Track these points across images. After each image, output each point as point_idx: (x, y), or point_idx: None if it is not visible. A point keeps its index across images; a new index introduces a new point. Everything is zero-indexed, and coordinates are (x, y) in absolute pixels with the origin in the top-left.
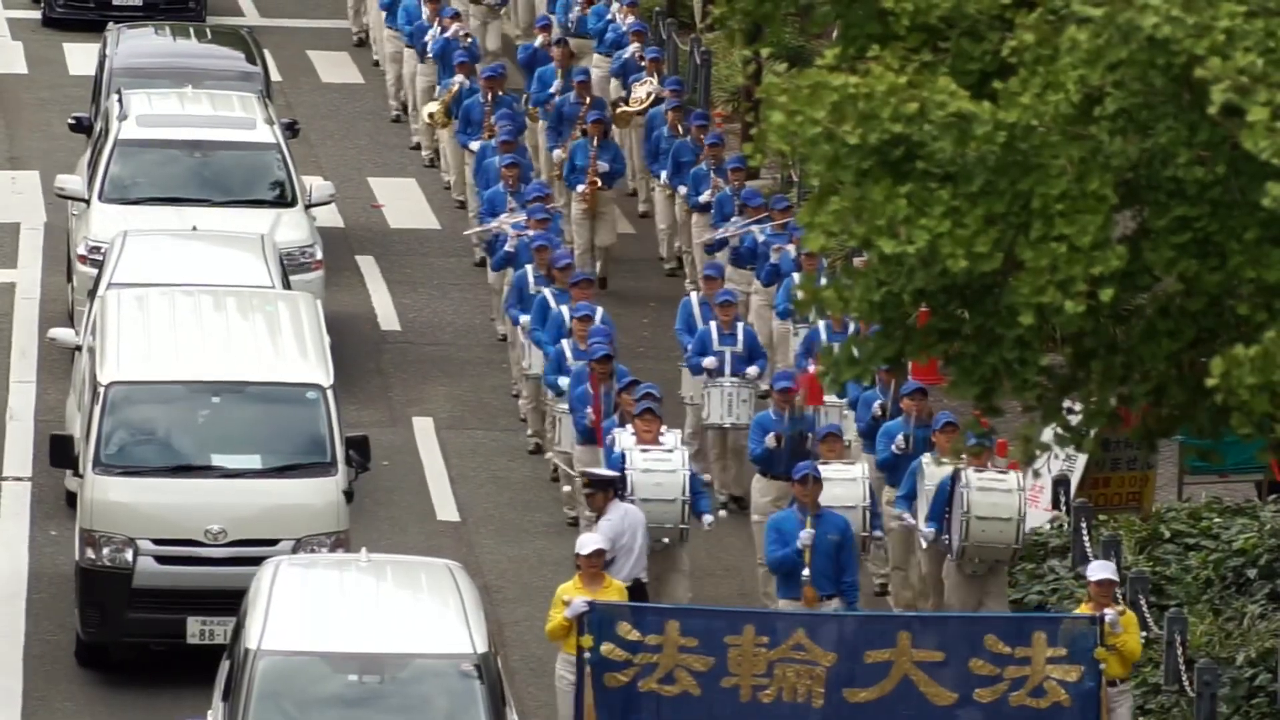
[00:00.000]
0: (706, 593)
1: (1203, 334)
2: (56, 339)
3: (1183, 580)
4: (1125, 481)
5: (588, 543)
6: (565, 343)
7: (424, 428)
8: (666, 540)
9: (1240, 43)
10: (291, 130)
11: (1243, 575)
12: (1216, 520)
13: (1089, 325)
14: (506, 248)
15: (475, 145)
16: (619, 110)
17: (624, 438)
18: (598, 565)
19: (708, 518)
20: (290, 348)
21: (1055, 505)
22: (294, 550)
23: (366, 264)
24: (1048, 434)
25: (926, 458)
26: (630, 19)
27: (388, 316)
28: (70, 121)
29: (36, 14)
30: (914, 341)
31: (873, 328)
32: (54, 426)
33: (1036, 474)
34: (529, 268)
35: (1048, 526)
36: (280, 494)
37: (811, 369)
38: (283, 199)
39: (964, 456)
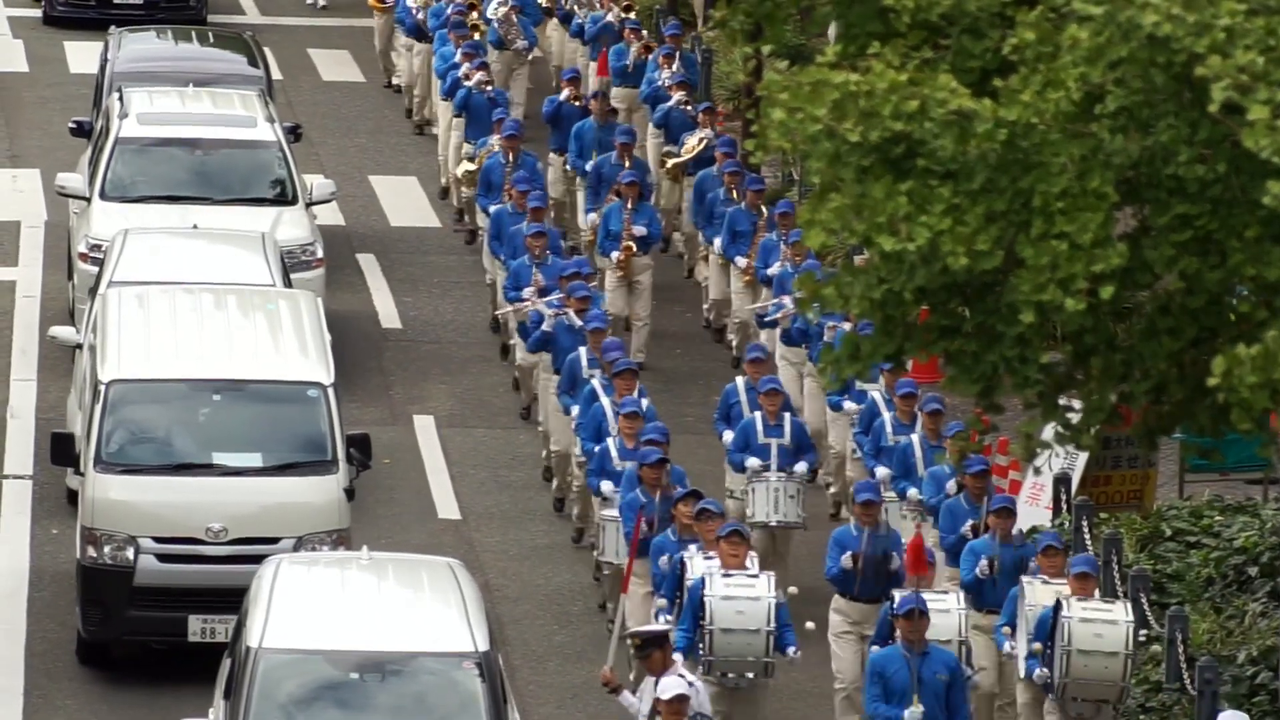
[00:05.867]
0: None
1: (1203, 332)
2: (57, 337)
3: (1184, 578)
4: (1126, 480)
5: (669, 687)
6: (610, 441)
7: (425, 426)
8: (751, 675)
9: (1241, 40)
10: (294, 134)
11: (1244, 573)
12: (1218, 518)
13: (1089, 323)
14: (544, 328)
15: (493, 209)
16: (670, 163)
17: (698, 563)
18: (681, 713)
19: (791, 650)
20: (291, 346)
21: (1056, 503)
22: (295, 548)
23: (367, 262)
24: (1048, 432)
25: (1028, 577)
26: (668, 70)
27: (389, 314)
28: (71, 125)
29: (37, 12)
30: (914, 339)
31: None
32: (55, 424)
33: (1037, 471)
34: (582, 351)
35: (1049, 525)
36: (281, 492)
37: (917, 533)
38: (283, 197)
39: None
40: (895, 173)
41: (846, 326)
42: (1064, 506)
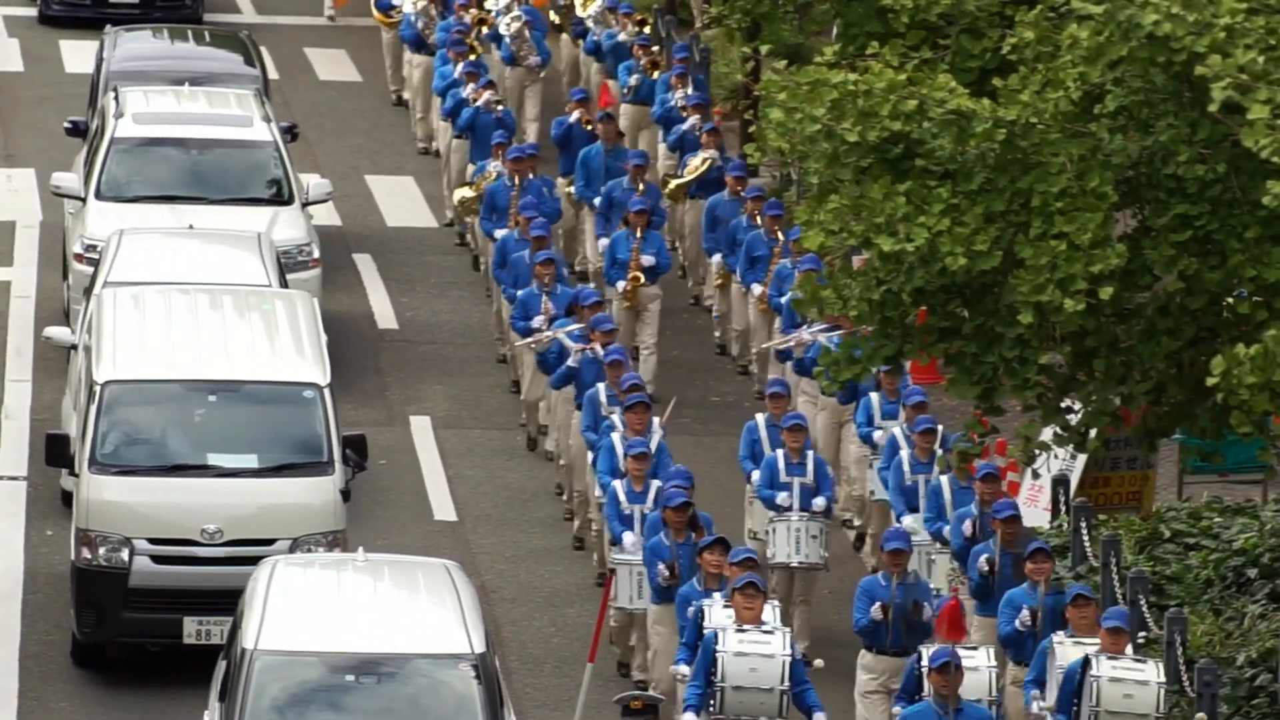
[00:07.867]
0: None
1: (1203, 332)
2: (52, 338)
3: (1183, 580)
4: (1125, 481)
5: None
6: (619, 484)
7: (421, 427)
8: None
9: (1241, 40)
10: (291, 135)
11: (1243, 575)
12: (1217, 520)
13: (1089, 324)
14: (570, 363)
15: (500, 234)
16: (671, 185)
17: (716, 612)
18: None
19: (819, 715)
20: (287, 346)
21: (1055, 505)
22: (291, 550)
23: (364, 262)
24: (1047, 433)
25: (1058, 636)
26: (686, 90)
27: (385, 315)
28: (67, 125)
29: (33, 11)
30: (914, 341)
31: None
32: (50, 425)
33: (1036, 475)
34: (601, 386)
35: (1048, 526)
36: (277, 493)
37: (955, 597)
38: (280, 197)
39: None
40: (894, 173)
41: None
42: (1063, 508)
